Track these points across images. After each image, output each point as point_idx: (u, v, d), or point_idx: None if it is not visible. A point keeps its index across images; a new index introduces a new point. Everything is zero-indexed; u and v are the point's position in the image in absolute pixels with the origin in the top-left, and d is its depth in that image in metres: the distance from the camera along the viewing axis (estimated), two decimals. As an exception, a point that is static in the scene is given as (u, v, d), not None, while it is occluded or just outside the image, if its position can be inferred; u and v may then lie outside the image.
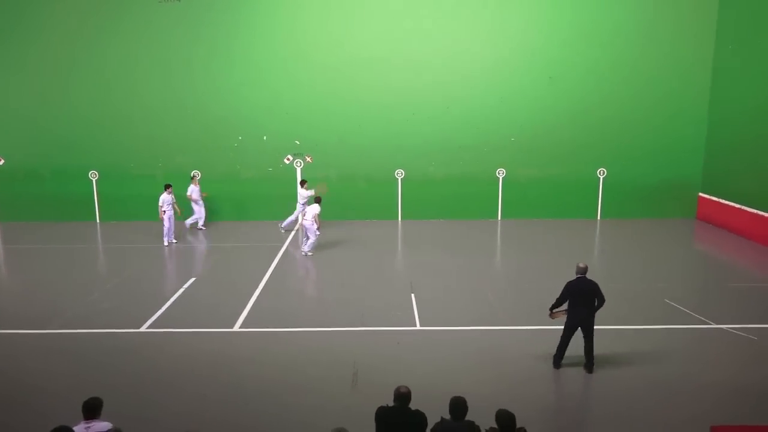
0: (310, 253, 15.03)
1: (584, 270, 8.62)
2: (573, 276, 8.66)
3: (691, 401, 7.88)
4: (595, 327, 8.69)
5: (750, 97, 16.64)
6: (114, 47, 18.23)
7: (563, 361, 8.85)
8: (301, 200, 17.00)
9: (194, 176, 18.07)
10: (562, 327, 8.72)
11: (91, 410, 5.51)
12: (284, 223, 17.47)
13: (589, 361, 8.70)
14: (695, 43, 18.32)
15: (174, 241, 16.23)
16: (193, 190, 17.71)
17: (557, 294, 8.67)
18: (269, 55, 18.39)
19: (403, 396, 5.59)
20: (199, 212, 17.86)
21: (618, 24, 18.25)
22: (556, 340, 9.68)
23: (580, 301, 8.52)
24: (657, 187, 19.01)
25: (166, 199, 15.93)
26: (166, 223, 15.92)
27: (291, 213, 17.57)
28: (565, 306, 8.71)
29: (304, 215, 15.03)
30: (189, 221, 17.82)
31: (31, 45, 18.21)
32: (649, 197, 19.07)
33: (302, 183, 17.08)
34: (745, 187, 16.83)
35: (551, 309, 8.83)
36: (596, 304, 8.55)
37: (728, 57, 17.71)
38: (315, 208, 14.77)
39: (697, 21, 18.23)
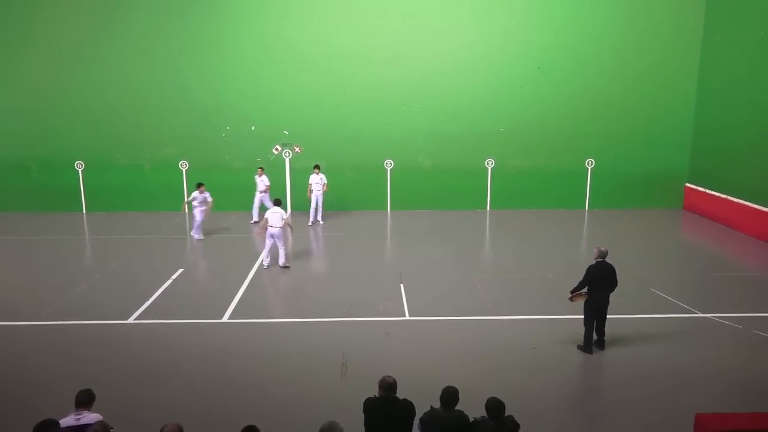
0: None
1: (605, 254, 8.88)
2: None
3: (677, 389, 7.97)
4: (580, 316, 8.83)
5: (737, 88, 16.73)
6: (101, 38, 17.99)
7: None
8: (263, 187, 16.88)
9: None
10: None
11: (83, 402, 5.50)
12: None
13: (601, 339, 8.98)
14: (683, 34, 18.38)
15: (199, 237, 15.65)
16: None
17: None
18: (257, 45, 18.24)
19: (389, 386, 5.59)
20: None
21: (606, 15, 18.26)
22: (543, 330, 9.77)
23: (600, 283, 8.79)
24: (644, 177, 19.12)
25: (197, 196, 15.30)
26: (198, 217, 15.37)
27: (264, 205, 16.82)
28: (584, 290, 8.93)
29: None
30: None
31: (18, 36, 17.92)
32: (636, 188, 19.19)
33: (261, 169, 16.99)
34: (731, 178, 16.97)
35: (572, 292, 9.03)
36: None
37: (716, 48, 17.79)
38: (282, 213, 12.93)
39: (685, 12, 18.28)
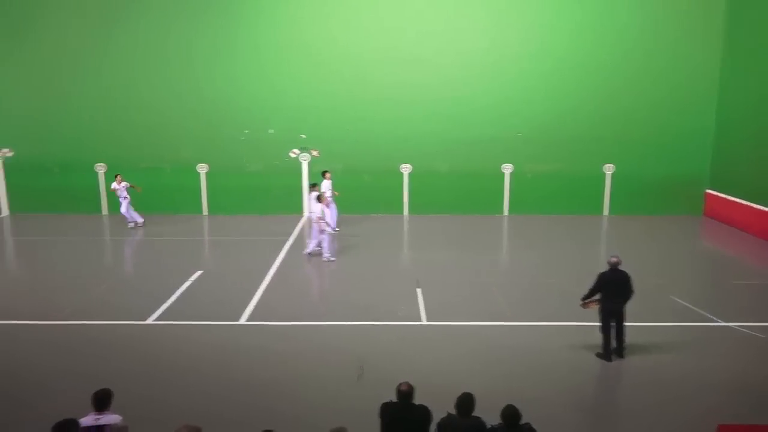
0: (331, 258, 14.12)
1: (615, 264, 8.83)
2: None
3: (698, 399, 7.86)
4: (598, 324, 8.79)
5: (758, 93, 16.48)
6: (120, 41, 18.23)
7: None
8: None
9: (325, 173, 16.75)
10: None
11: (102, 402, 5.51)
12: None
13: (620, 347, 8.93)
14: (703, 38, 18.17)
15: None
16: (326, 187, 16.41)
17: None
18: (275, 49, 18.34)
19: (404, 394, 5.58)
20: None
21: (625, 19, 18.12)
22: (561, 336, 9.69)
23: (613, 290, 8.75)
24: (664, 183, 18.91)
25: (328, 185, 16.18)
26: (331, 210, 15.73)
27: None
28: (596, 296, 8.89)
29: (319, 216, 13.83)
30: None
31: (38, 40, 18.23)
32: (656, 193, 18.97)
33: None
34: (752, 184, 16.71)
35: (583, 299, 8.99)
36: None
37: (737, 52, 17.55)
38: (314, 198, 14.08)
39: (705, 16, 18.09)
